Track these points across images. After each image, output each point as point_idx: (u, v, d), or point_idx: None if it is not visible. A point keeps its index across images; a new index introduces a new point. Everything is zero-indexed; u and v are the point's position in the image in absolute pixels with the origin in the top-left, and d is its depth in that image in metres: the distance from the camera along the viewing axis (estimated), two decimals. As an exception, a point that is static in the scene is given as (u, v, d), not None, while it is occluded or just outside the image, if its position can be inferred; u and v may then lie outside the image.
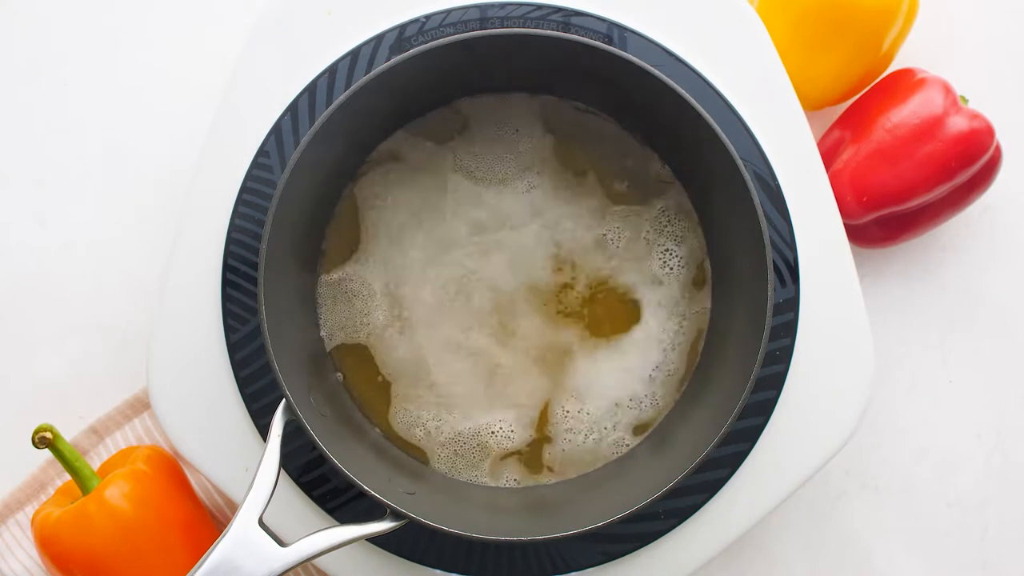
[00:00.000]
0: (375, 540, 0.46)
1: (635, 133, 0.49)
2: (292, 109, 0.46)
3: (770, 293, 0.42)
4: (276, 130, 0.46)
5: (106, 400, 0.55)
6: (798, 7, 0.52)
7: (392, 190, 0.48)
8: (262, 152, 0.46)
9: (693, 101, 0.42)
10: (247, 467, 0.46)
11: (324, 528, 0.40)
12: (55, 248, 0.56)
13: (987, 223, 0.57)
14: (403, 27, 0.46)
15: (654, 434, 0.48)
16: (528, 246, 0.48)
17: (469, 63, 0.44)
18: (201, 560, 0.38)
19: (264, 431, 0.46)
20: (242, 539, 0.39)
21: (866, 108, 0.53)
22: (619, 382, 0.48)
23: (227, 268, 0.46)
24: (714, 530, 0.46)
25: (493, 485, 0.48)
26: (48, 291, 0.56)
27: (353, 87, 0.42)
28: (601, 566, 0.46)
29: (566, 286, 0.48)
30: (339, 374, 0.48)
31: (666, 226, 0.48)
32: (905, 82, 0.53)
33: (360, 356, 0.48)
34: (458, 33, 0.43)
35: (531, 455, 0.48)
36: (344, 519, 0.46)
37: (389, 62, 0.42)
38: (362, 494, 0.41)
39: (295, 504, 0.46)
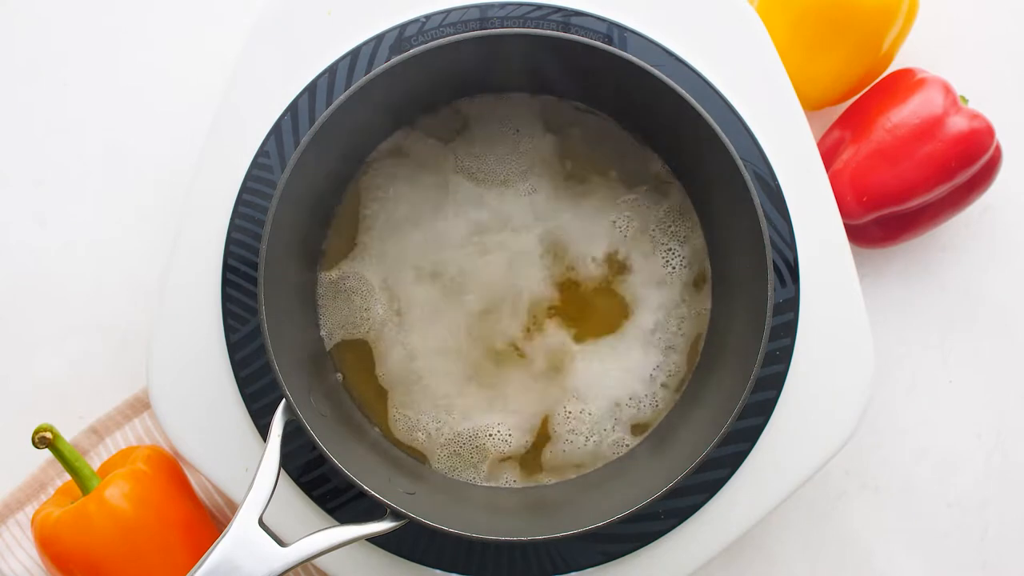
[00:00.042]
0: (375, 540, 0.46)
1: (635, 133, 0.48)
2: (292, 109, 0.46)
3: (770, 293, 0.42)
4: (276, 130, 0.46)
5: (106, 400, 0.55)
6: (798, 7, 0.52)
7: (395, 184, 0.48)
8: (262, 152, 0.46)
9: (693, 101, 0.42)
10: (247, 467, 0.46)
11: (324, 528, 0.40)
12: (55, 248, 0.56)
13: (987, 223, 0.57)
14: (403, 27, 0.46)
15: (654, 434, 0.48)
16: (528, 247, 0.48)
17: (469, 63, 0.44)
18: (201, 560, 0.38)
19: (264, 431, 0.46)
20: (242, 539, 0.39)
21: (866, 108, 0.53)
22: (619, 382, 0.48)
23: (227, 268, 0.46)
24: (714, 530, 0.46)
25: (493, 485, 0.48)
26: (48, 291, 0.56)
27: (353, 87, 0.42)
28: (601, 566, 0.46)
29: (566, 287, 0.48)
30: (339, 374, 0.48)
31: (669, 226, 0.48)
32: (905, 82, 0.53)
33: (360, 355, 0.48)
34: (458, 33, 0.43)
35: (530, 457, 0.48)
36: (344, 519, 0.46)
37: (389, 62, 0.42)
38: (362, 494, 0.41)
39: (295, 504, 0.46)
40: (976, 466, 0.56)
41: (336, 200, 0.48)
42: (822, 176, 0.47)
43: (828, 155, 0.54)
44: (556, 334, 0.48)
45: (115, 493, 0.47)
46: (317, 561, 0.44)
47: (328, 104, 0.45)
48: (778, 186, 0.46)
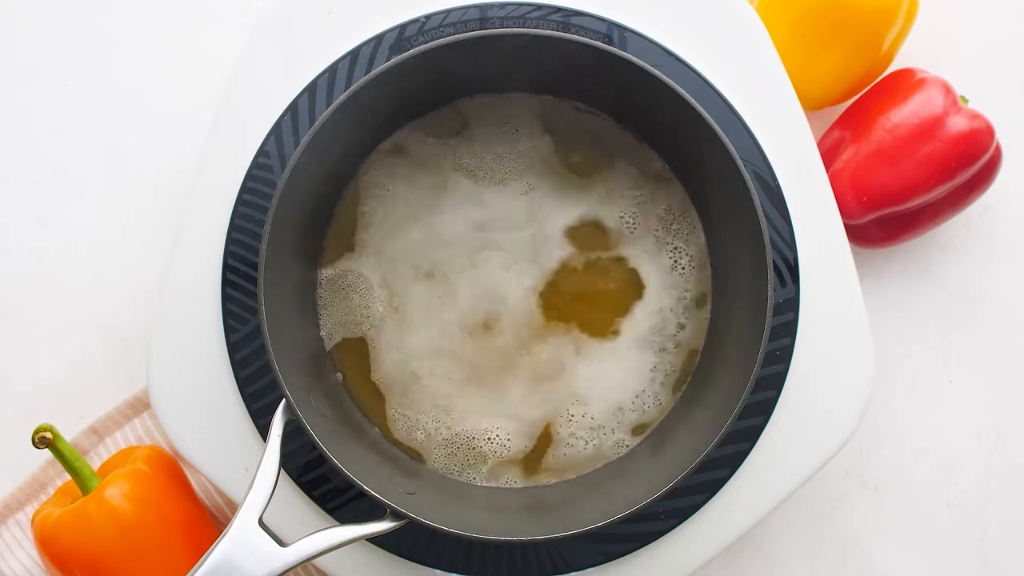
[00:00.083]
0: (375, 540, 0.46)
1: (635, 133, 0.48)
2: (292, 109, 0.46)
3: (770, 293, 0.42)
4: (276, 130, 0.46)
5: (106, 400, 0.55)
6: (798, 7, 0.52)
7: (394, 183, 0.48)
8: (262, 152, 0.46)
9: (693, 101, 0.42)
10: (247, 467, 0.46)
11: (324, 528, 0.40)
12: (55, 248, 0.56)
13: (987, 223, 0.57)
14: (403, 27, 0.46)
15: (654, 434, 0.48)
16: (527, 246, 0.48)
17: (469, 63, 0.44)
18: (201, 560, 0.38)
19: (264, 431, 0.46)
20: (242, 539, 0.39)
21: (866, 108, 0.53)
22: (620, 382, 0.48)
23: (227, 268, 0.46)
24: (714, 530, 0.46)
25: (493, 485, 0.48)
26: (48, 291, 0.56)
27: (353, 87, 0.42)
28: (601, 566, 0.46)
29: (565, 287, 0.48)
30: (339, 374, 0.48)
31: (670, 225, 0.48)
32: (905, 82, 0.53)
33: (360, 355, 0.48)
34: (458, 33, 0.43)
35: (531, 458, 0.48)
36: (344, 519, 0.46)
37: (389, 62, 0.42)
38: (362, 494, 0.41)
39: (295, 504, 0.46)
40: (976, 466, 0.56)
41: (336, 199, 0.48)
42: (822, 176, 0.47)
43: (828, 155, 0.54)
44: (556, 334, 0.48)
45: (115, 493, 0.47)
46: (317, 561, 0.44)
47: (328, 104, 0.45)
48: (778, 186, 0.46)
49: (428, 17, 0.47)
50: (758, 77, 0.47)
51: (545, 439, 0.48)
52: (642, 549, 0.46)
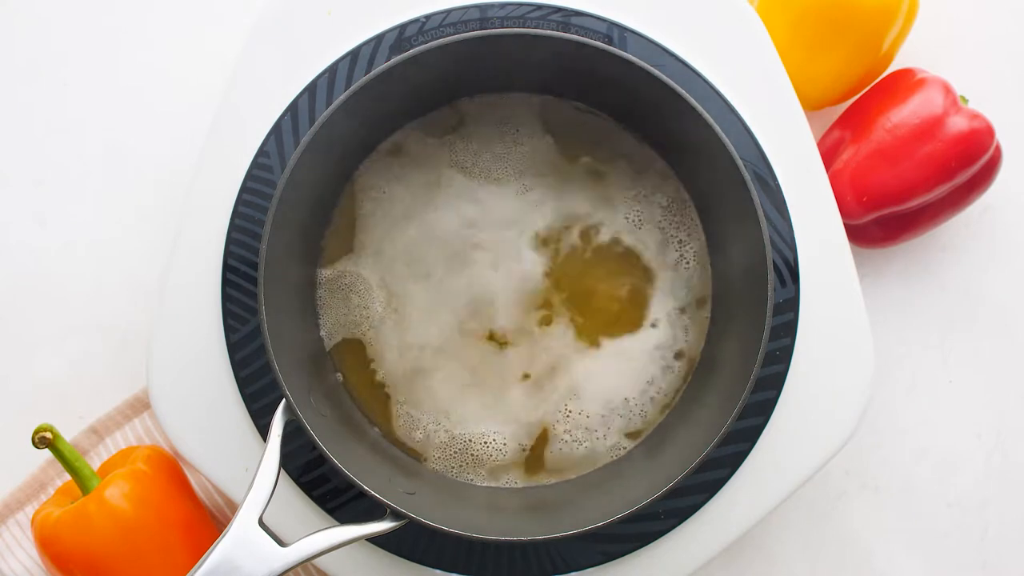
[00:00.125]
0: (375, 540, 0.46)
1: (635, 133, 0.48)
2: (292, 109, 0.46)
3: (770, 293, 0.42)
4: (276, 130, 0.46)
5: (106, 400, 0.55)
6: (798, 7, 0.52)
7: (393, 183, 0.48)
8: (262, 152, 0.46)
9: (693, 101, 0.42)
10: (247, 467, 0.46)
11: (324, 528, 0.40)
12: (55, 248, 0.56)
13: (987, 223, 0.57)
14: (403, 27, 0.46)
15: (654, 434, 0.48)
16: (526, 245, 0.48)
17: (469, 63, 0.44)
18: (201, 560, 0.38)
19: (264, 431, 0.46)
20: (242, 539, 0.39)
21: (866, 108, 0.53)
22: (619, 383, 0.48)
23: (227, 268, 0.46)
24: (714, 530, 0.46)
25: (493, 485, 0.48)
26: (48, 291, 0.56)
27: (353, 87, 0.42)
28: (601, 566, 0.46)
29: (564, 287, 0.48)
30: (339, 374, 0.48)
31: (670, 224, 0.48)
32: (905, 82, 0.53)
33: (359, 355, 0.48)
34: (458, 33, 0.43)
35: (530, 458, 0.48)
36: (344, 519, 0.46)
37: (389, 62, 0.42)
38: (362, 494, 0.41)
39: (295, 504, 0.46)
40: (976, 466, 0.56)
41: (335, 199, 0.48)
42: (822, 176, 0.47)
43: (828, 155, 0.54)
44: (555, 334, 0.48)
45: (115, 493, 0.47)
46: (317, 561, 0.44)
47: (328, 104, 0.45)
48: (778, 186, 0.46)
49: (428, 17, 0.47)
50: (758, 77, 0.47)
51: (543, 440, 0.48)
52: (642, 549, 0.46)
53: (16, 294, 0.56)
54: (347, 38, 0.47)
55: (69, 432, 0.53)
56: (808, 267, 0.46)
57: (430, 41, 0.44)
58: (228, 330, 0.46)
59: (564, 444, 0.48)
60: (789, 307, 0.46)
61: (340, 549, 0.40)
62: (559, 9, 0.46)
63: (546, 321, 0.48)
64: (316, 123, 0.42)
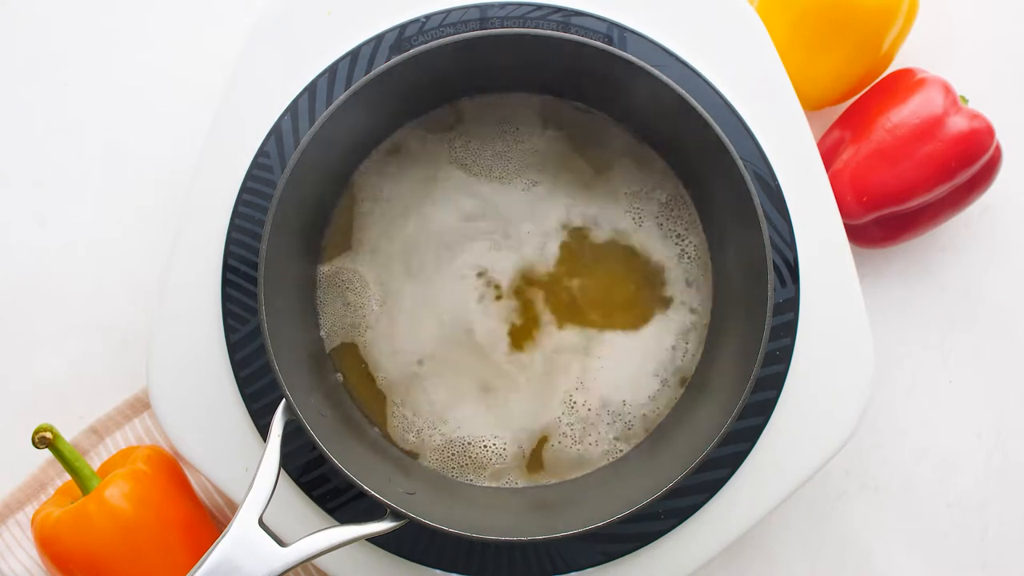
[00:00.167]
0: (375, 540, 0.46)
1: (635, 133, 0.48)
2: (292, 109, 0.46)
3: (770, 293, 0.42)
4: (276, 130, 0.46)
5: (106, 400, 0.55)
6: (798, 7, 0.52)
7: (393, 182, 0.48)
8: (262, 152, 0.46)
9: (693, 101, 0.42)
10: (247, 467, 0.46)
11: (324, 528, 0.40)
12: (55, 248, 0.56)
13: (987, 223, 0.57)
14: (403, 27, 0.46)
15: (654, 434, 0.48)
16: (525, 245, 0.48)
17: (469, 63, 0.44)
18: (201, 560, 0.38)
19: (264, 431, 0.46)
20: (242, 539, 0.39)
21: (866, 108, 0.53)
22: (619, 382, 0.48)
23: (227, 268, 0.46)
24: (714, 530, 0.46)
25: (493, 485, 0.48)
26: (48, 291, 0.56)
27: (353, 87, 0.42)
28: (601, 566, 0.46)
29: (564, 286, 0.48)
30: (339, 374, 0.48)
31: (670, 224, 0.48)
32: (905, 82, 0.53)
33: (359, 355, 0.48)
34: (458, 33, 0.43)
35: (530, 459, 0.48)
36: (344, 519, 0.46)
37: (389, 62, 0.42)
38: (362, 494, 0.41)
39: (295, 504, 0.46)
40: (976, 466, 0.56)
41: (335, 199, 0.48)
42: (822, 176, 0.47)
43: (828, 155, 0.54)
44: (555, 333, 0.48)
45: (115, 493, 0.47)
46: (317, 561, 0.44)
47: (328, 104, 0.45)
48: (778, 186, 0.46)
49: (428, 17, 0.47)
50: (758, 77, 0.47)
51: (543, 441, 0.48)
52: (642, 549, 0.46)
53: (16, 294, 0.56)
54: (347, 38, 0.47)
55: (69, 432, 0.53)
56: (808, 267, 0.46)
57: (430, 41, 0.44)
58: (228, 330, 0.46)
59: (564, 444, 0.48)
60: (789, 307, 0.46)
61: (340, 549, 0.40)
62: (559, 9, 0.46)
63: (545, 321, 0.48)
64: (316, 123, 0.42)
